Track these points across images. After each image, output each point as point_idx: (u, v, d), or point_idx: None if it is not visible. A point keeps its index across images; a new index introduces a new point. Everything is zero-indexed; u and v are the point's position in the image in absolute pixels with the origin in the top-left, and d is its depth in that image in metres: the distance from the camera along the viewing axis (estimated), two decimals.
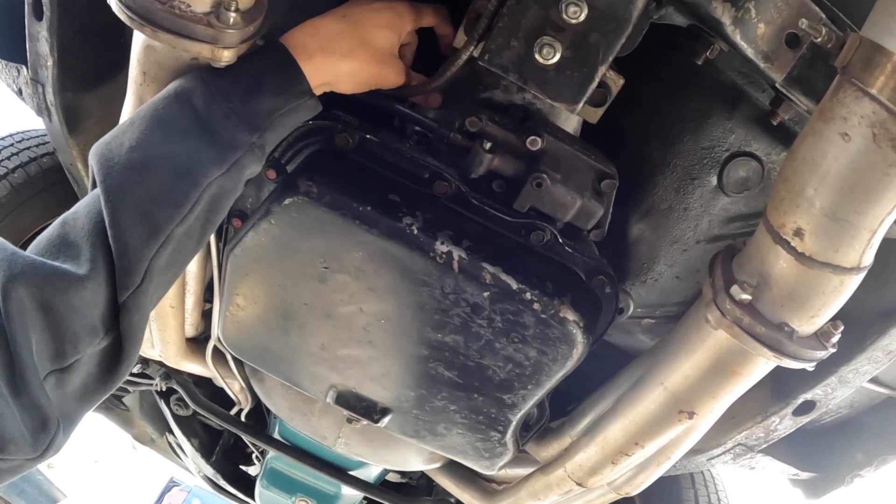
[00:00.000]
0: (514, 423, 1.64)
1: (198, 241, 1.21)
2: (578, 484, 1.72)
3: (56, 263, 1.06)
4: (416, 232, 1.35)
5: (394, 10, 1.35)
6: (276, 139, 1.27)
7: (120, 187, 1.09)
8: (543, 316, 1.39)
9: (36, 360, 1.05)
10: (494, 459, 1.79)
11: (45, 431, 1.09)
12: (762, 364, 1.30)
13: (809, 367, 1.28)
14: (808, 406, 1.81)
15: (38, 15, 1.55)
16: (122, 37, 1.24)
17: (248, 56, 1.24)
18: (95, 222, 1.08)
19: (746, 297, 1.23)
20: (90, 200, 1.12)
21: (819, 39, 1.12)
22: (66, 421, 1.13)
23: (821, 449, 2.14)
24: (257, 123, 1.20)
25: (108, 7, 1.17)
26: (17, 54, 1.76)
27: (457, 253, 1.36)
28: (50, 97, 1.68)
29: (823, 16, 1.20)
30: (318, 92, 1.29)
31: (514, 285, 1.37)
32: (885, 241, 1.37)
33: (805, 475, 2.18)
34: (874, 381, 1.85)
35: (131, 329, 1.14)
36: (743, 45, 1.21)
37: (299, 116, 1.27)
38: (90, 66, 1.68)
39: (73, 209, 1.14)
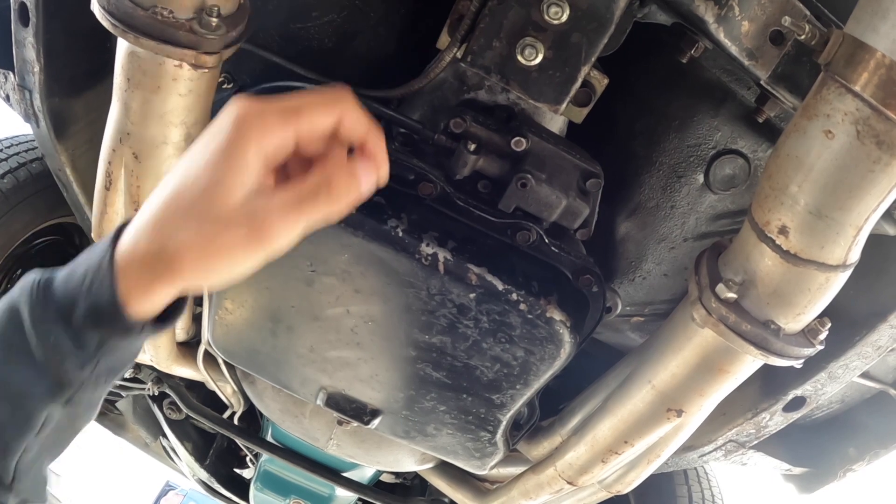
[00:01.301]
0: (503, 422, 1.65)
1: (73, 429, 1.13)
2: (569, 483, 1.72)
3: None
4: (401, 234, 1.35)
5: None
6: (124, 359, 1.07)
7: None
8: (530, 316, 1.39)
9: None
10: (485, 459, 1.79)
11: None
12: (749, 362, 1.30)
13: (797, 364, 1.29)
14: (798, 402, 1.81)
15: (25, 21, 1.55)
16: (108, 42, 1.24)
17: (82, 261, 1.01)
18: None
19: (732, 295, 1.23)
20: None
21: (802, 37, 1.12)
22: None
23: (813, 444, 2.15)
24: (87, 356, 1.01)
25: (94, 13, 1.17)
26: (4, 60, 1.75)
27: (442, 254, 1.36)
28: (37, 103, 1.68)
29: (808, 13, 1.19)
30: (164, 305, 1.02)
31: (500, 286, 1.37)
32: (873, 238, 1.38)
33: (797, 470, 2.19)
34: (865, 376, 1.85)
35: (28, 494, 1.13)
36: (727, 42, 1.21)
37: (138, 342, 1.05)
38: (77, 71, 1.68)
39: None
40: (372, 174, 0.96)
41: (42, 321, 0.99)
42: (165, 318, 1.04)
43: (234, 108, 0.92)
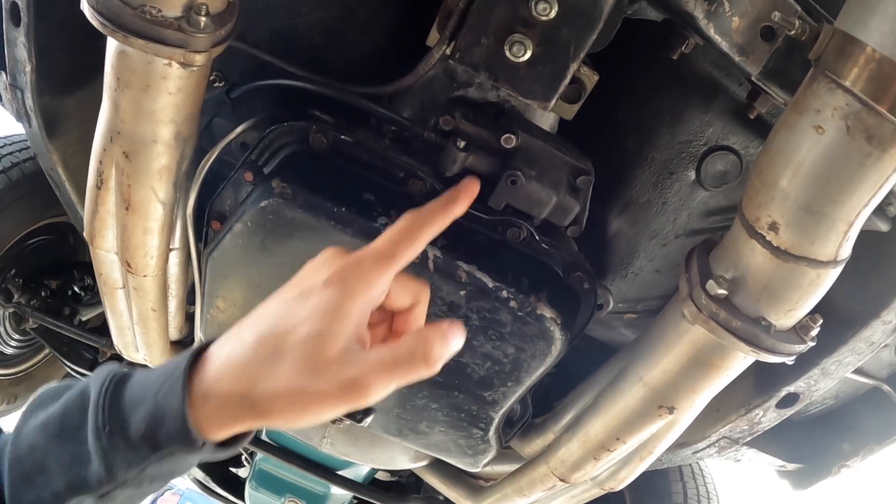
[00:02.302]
0: (495, 420, 1.64)
1: None
2: (561, 479, 1.72)
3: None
4: None
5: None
6: (170, 469, 1.05)
7: (16, 457, 1.02)
8: (520, 313, 1.39)
9: None
10: (478, 457, 1.79)
11: None
12: (740, 358, 1.30)
13: (788, 360, 1.28)
14: (791, 398, 1.81)
15: (16, 21, 1.55)
16: (99, 41, 1.24)
17: (163, 366, 1.02)
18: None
19: (722, 291, 1.23)
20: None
21: (793, 32, 1.12)
22: None
23: (807, 440, 2.15)
24: (136, 458, 0.99)
25: (83, 12, 1.17)
26: None
27: (431, 252, 1.36)
28: (29, 102, 1.67)
29: (798, 8, 1.19)
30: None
31: (490, 283, 1.37)
32: (865, 234, 1.38)
33: (792, 466, 2.19)
34: (859, 371, 1.85)
35: None
36: (717, 38, 1.21)
37: (193, 459, 1.03)
38: (68, 70, 1.68)
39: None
40: (460, 334, 0.97)
41: (104, 415, 0.99)
42: (228, 443, 1.03)
43: (329, 259, 1.00)
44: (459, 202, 1.11)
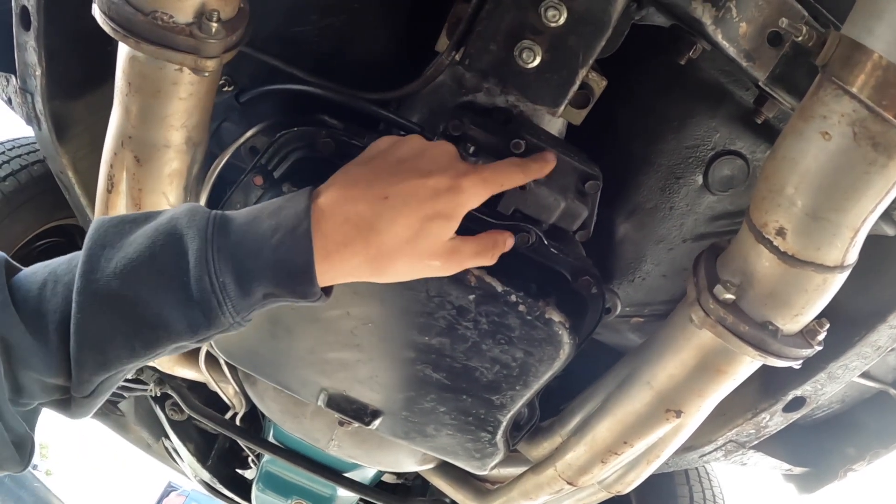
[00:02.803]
0: (503, 423, 1.65)
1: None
2: (569, 483, 1.72)
3: (27, 329, 1.03)
4: None
5: (453, 194, 1.16)
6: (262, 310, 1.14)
7: (91, 310, 1.03)
8: (529, 317, 1.39)
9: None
10: (485, 460, 1.79)
11: (24, 447, 1.11)
12: (747, 363, 1.30)
13: (795, 365, 1.29)
14: (798, 402, 1.81)
15: (26, 25, 1.55)
16: (109, 45, 1.25)
17: (266, 213, 1.10)
18: (64, 316, 1.04)
19: (730, 296, 1.23)
20: (72, 279, 1.05)
21: (800, 38, 1.12)
22: (31, 429, 1.14)
23: (813, 444, 2.15)
24: (246, 305, 1.08)
25: (94, 17, 1.18)
26: (5, 64, 1.76)
27: None
28: (39, 106, 1.68)
29: (805, 13, 1.19)
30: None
31: (499, 287, 1.38)
32: (873, 238, 1.38)
33: (798, 470, 2.19)
34: (865, 375, 1.85)
35: (83, 409, 1.15)
36: (724, 44, 1.21)
37: (301, 304, 1.14)
38: (78, 74, 1.69)
39: (62, 265, 1.09)
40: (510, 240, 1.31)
41: (213, 259, 1.05)
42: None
43: (448, 155, 1.21)
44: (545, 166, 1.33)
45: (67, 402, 1.14)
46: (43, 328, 1.04)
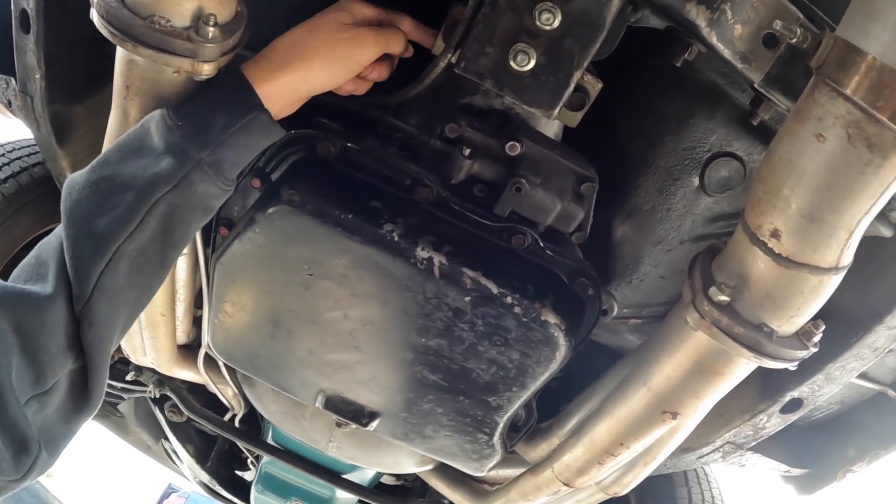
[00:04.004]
0: (500, 424, 1.65)
1: (159, 263, 1.22)
2: (566, 484, 1.72)
3: (26, 287, 1.10)
4: (396, 238, 1.36)
5: (356, 42, 1.31)
6: (234, 160, 1.24)
7: (74, 204, 1.14)
8: (525, 319, 1.40)
9: (16, 386, 1.06)
10: (483, 461, 1.79)
11: (26, 453, 1.09)
12: (743, 364, 1.31)
13: (791, 366, 1.29)
14: (795, 404, 1.82)
15: (26, 28, 1.56)
16: (108, 48, 1.25)
17: (207, 80, 1.24)
18: (60, 241, 1.12)
19: (724, 298, 1.23)
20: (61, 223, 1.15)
21: (794, 40, 1.12)
22: (49, 443, 1.14)
23: (812, 445, 2.15)
24: (207, 139, 1.17)
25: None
26: (6, 67, 1.76)
27: (437, 258, 1.37)
28: (39, 108, 1.69)
29: (801, 16, 1.20)
30: (283, 110, 1.29)
31: (495, 289, 1.38)
32: (869, 239, 1.38)
33: (797, 471, 2.19)
34: (864, 377, 1.85)
35: (90, 350, 1.16)
36: (720, 46, 1.21)
37: (254, 135, 1.24)
38: (78, 77, 1.69)
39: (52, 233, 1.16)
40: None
41: (170, 117, 1.17)
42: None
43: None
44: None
45: (82, 372, 1.17)
46: (44, 270, 1.12)
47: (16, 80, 1.72)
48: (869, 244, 1.35)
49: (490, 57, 1.22)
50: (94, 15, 1.18)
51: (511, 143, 1.38)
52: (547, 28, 1.17)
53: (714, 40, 1.21)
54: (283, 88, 1.26)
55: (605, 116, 1.50)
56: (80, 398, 1.19)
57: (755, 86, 1.27)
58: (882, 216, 1.42)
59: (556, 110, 1.26)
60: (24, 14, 1.54)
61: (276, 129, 1.26)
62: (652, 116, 1.58)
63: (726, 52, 1.22)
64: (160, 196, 1.15)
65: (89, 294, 1.12)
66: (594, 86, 1.35)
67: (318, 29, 1.31)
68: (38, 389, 1.09)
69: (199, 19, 1.15)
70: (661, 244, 1.70)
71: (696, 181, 1.58)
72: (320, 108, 1.41)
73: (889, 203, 1.16)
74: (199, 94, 1.22)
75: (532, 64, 1.21)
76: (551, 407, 1.82)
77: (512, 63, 1.21)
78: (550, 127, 1.51)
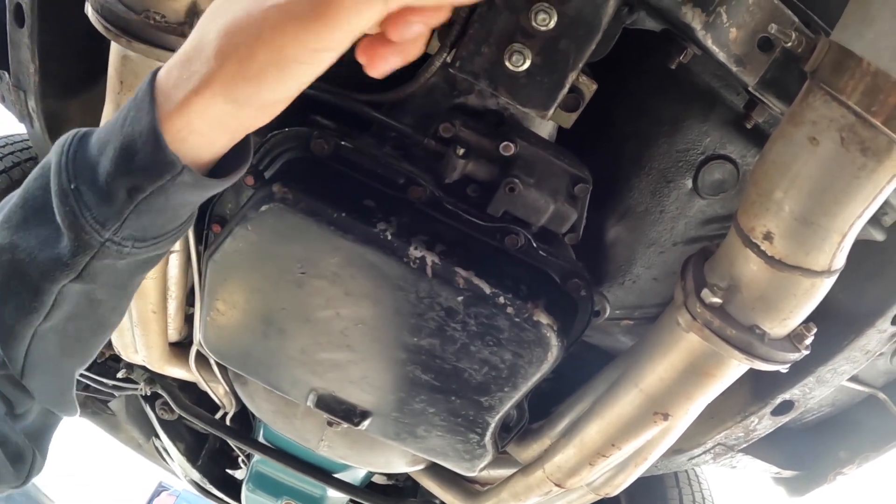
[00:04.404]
0: (492, 425, 1.65)
1: (97, 322, 1.05)
2: (557, 485, 1.73)
3: None
4: (389, 237, 1.36)
5: None
6: (160, 224, 0.95)
7: None
8: (517, 319, 1.40)
9: None
10: (475, 461, 1.79)
11: (23, 461, 1.06)
12: (734, 366, 1.31)
13: (782, 369, 1.29)
14: (786, 406, 1.82)
15: (20, 22, 1.56)
16: (103, 43, 1.25)
17: (120, 113, 0.91)
18: None
19: (717, 300, 1.24)
20: None
21: (789, 44, 1.13)
22: (38, 446, 1.11)
23: (803, 447, 2.16)
24: (111, 213, 0.89)
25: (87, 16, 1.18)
26: None
27: (430, 258, 1.37)
28: (32, 103, 1.69)
29: (796, 20, 1.20)
30: (236, 136, 0.92)
31: (488, 289, 1.38)
32: (861, 243, 1.39)
33: (788, 473, 2.20)
34: (855, 379, 1.86)
35: (45, 397, 1.08)
36: (715, 49, 1.21)
37: (177, 195, 0.91)
38: (71, 72, 1.69)
39: None
40: None
41: (66, 169, 0.89)
42: (220, 170, 0.94)
43: None
44: None
45: None
46: None
47: (9, 75, 1.72)
48: (861, 247, 1.36)
49: (485, 57, 1.22)
50: (88, 9, 1.18)
51: (505, 143, 1.39)
52: (543, 29, 1.17)
53: (709, 43, 1.21)
54: (221, 116, 0.86)
55: (600, 117, 1.50)
56: (54, 413, 1.13)
57: (750, 89, 1.27)
58: (874, 220, 1.42)
59: (551, 111, 1.26)
60: (18, 8, 1.54)
61: (213, 184, 0.93)
62: (646, 118, 1.58)
63: (721, 55, 1.22)
64: (65, 284, 0.93)
65: (20, 372, 1.00)
66: (589, 87, 1.35)
67: None
68: (13, 413, 1.04)
69: (195, 15, 1.16)
70: (654, 246, 1.70)
71: (690, 183, 1.58)
72: (314, 105, 1.41)
73: (881, 207, 1.17)
74: (104, 132, 0.91)
75: (527, 64, 1.21)
76: (543, 408, 1.82)
77: (507, 63, 1.21)
78: (545, 127, 1.51)
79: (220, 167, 0.94)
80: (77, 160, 0.89)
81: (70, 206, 0.89)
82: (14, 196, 0.95)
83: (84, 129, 0.93)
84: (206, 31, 0.83)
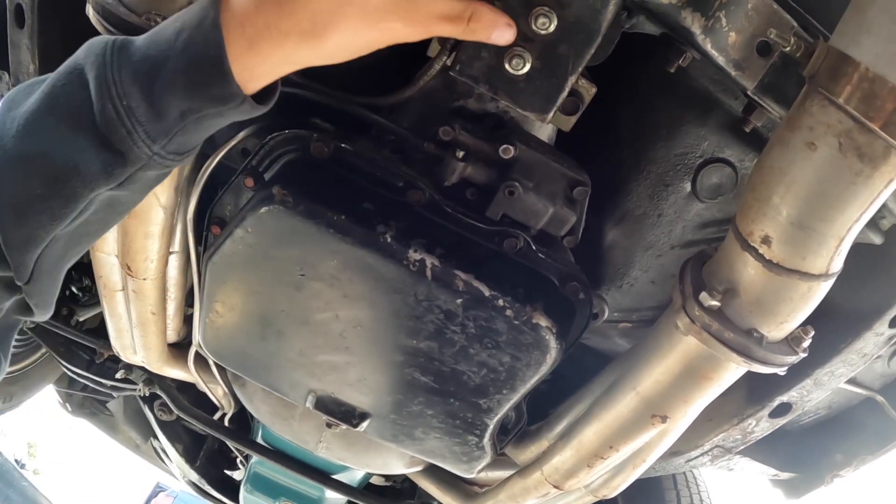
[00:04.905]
0: (490, 427, 1.66)
1: (103, 226, 1.09)
2: (555, 487, 1.73)
3: None
4: (389, 240, 1.36)
5: None
6: (196, 139, 1.02)
7: (3, 181, 0.94)
8: (516, 322, 1.40)
9: None
10: (472, 463, 1.80)
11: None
12: (732, 369, 1.32)
13: (780, 371, 1.30)
14: (784, 408, 1.82)
15: (20, 23, 1.56)
16: None
17: (172, 18, 0.96)
18: None
19: (715, 303, 1.24)
20: None
21: (788, 49, 1.13)
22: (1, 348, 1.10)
23: (800, 449, 2.16)
24: (162, 129, 0.94)
25: (88, 17, 1.18)
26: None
27: (430, 260, 1.37)
28: None
29: (795, 24, 1.20)
30: (276, 75, 1.00)
31: (487, 292, 1.38)
32: (859, 246, 1.39)
33: (785, 475, 2.20)
34: (852, 382, 1.86)
35: (37, 300, 1.07)
36: (714, 53, 1.22)
37: (227, 118, 1.00)
38: None
39: None
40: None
41: (114, 83, 0.90)
42: (263, 97, 1.00)
43: None
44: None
45: (23, 300, 1.06)
46: None
47: (9, 75, 1.72)
48: (859, 250, 1.36)
49: (485, 60, 1.22)
50: (89, 11, 1.19)
51: (504, 146, 1.39)
52: (543, 32, 1.17)
53: (708, 47, 1.21)
54: (281, 63, 0.96)
55: (599, 121, 1.50)
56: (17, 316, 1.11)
57: (748, 93, 1.27)
58: (872, 223, 1.43)
59: (551, 115, 1.27)
60: (18, 8, 1.54)
61: (261, 110, 1.02)
62: (645, 122, 1.58)
63: (720, 60, 1.23)
64: (99, 193, 0.96)
65: (28, 277, 1.00)
66: (588, 90, 1.36)
67: None
68: None
69: None
70: (652, 249, 1.71)
71: (688, 187, 1.59)
72: (313, 107, 1.41)
73: (879, 210, 1.17)
74: (155, 47, 0.93)
75: (527, 68, 1.21)
76: (542, 410, 1.82)
77: (507, 67, 1.21)
78: (544, 131, 1.51)
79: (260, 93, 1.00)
80: (124, 73, 0.91)
81: (123, 122, 0.91)
82: (32, 97, 0.95)
83: (119, 38, 0.95)
84: None
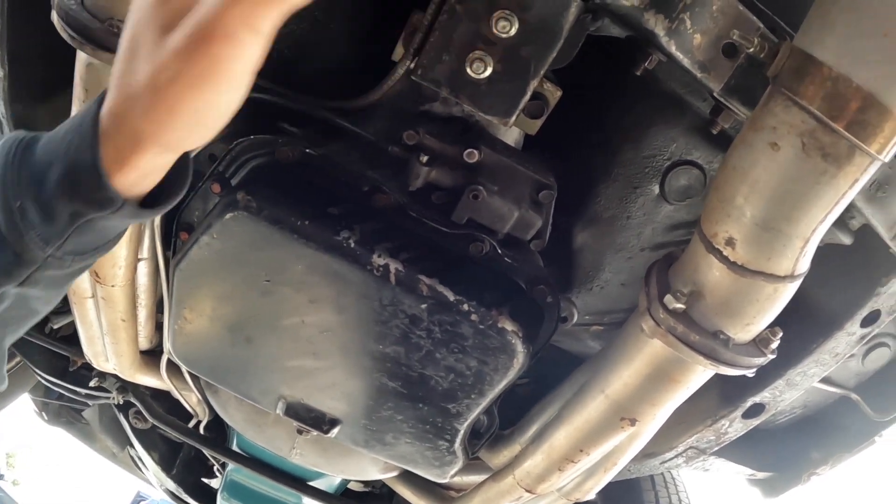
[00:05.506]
0: (461, 431, 1.65)
1: (24, 318, 1.05)
2: (528, 491, 1.73)
3: None
4: (353, 245, 1.35)
5: None
6: (97, 240, 0.97)
7: None
8: (481, 326, 1.40)
9: None
10: (445, 468, 1.79)
11: None
12: (699, 372, 1.31)
13: (749, 373, 1.30)
14: (757, 409, 1.83)
15: None
16: (72, 50, 1.24)
17: (71, 118, 0.92)
18: None
19: (680, 306, 1.24)
20: None
21: (752, 50, 1.13)
22: None
23: (777, 449, 2.17)
24: (54, 232, 0.90)
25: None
26: None
27: (394, 265, 1.37)
28: (1, 108, 1.67)
29: (761, 25, 1.20)
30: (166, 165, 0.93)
31: (451, 297, 1.38)
32: (829, 246, 1.39)
33: (762, 475, 2.21)
34: (827, 381, 1.87)
35: None
36: (679, 55, 1.22)
37: (117, 221, 0.93)
38: (42, 78, 1.68)
39: None
40: None
41: (13, 184, 0.89)
42: (156, 199, 0.95)
43: None
44: None
45: None
46: None
47: None
48: (829, 251, 1.36)
49: (446, 64, 1.22)
50: (54, 17, 1.18)
51: (469, 150, 1.38)
52: (504, 36, 1.17)
53: (673, 49, 1.21)
54: (159, 162, 0.90)
55: (566, 124, 1.50)
56: None
57: (715, 95, 1.27)
58: (841, 223, 1.43)
59: (513, 118, 1.26)
60: None
61: (151, 213, 0.96)
62: (612, 124, 1.58)
63: (685, 62, 1.22)
64: (8, 288, 0.94)
65: None
66: (553, 94, 1.35)
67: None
68: None
69: None
70: (622, 252, 1.71)
71: (657, 189, 1.59)
72: (281, 112, 1.41)
73: (847, 211, 1.17)
74: (50, 147, 0.90)
75: (489, 72, 1.20)
76: (522, 413, 1.82)
77: (468, 70, 1.21)
78: (510, 134, 1.51)
79: (161, 189, 0.96)
80: (22, 174, 0.89)
81: (15, 223, 0.89)
82: None
83: (28, 136, 0.92)
84: (130, 89, 0.82)
